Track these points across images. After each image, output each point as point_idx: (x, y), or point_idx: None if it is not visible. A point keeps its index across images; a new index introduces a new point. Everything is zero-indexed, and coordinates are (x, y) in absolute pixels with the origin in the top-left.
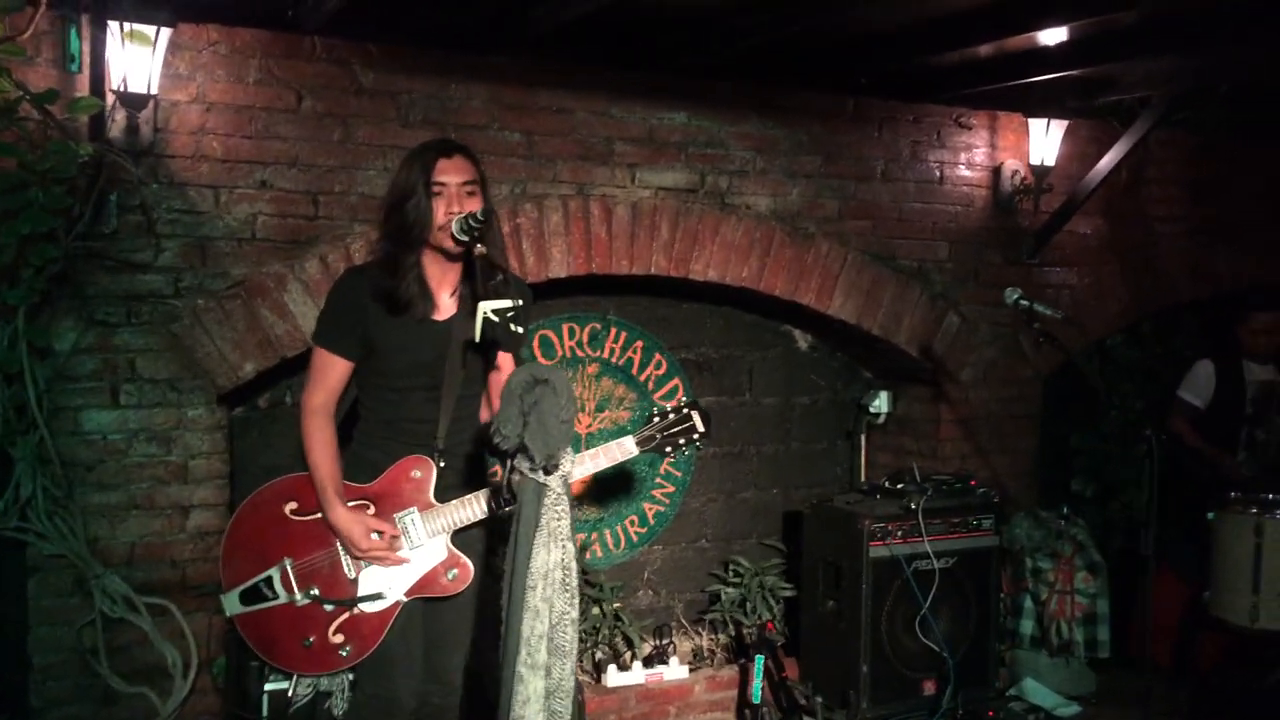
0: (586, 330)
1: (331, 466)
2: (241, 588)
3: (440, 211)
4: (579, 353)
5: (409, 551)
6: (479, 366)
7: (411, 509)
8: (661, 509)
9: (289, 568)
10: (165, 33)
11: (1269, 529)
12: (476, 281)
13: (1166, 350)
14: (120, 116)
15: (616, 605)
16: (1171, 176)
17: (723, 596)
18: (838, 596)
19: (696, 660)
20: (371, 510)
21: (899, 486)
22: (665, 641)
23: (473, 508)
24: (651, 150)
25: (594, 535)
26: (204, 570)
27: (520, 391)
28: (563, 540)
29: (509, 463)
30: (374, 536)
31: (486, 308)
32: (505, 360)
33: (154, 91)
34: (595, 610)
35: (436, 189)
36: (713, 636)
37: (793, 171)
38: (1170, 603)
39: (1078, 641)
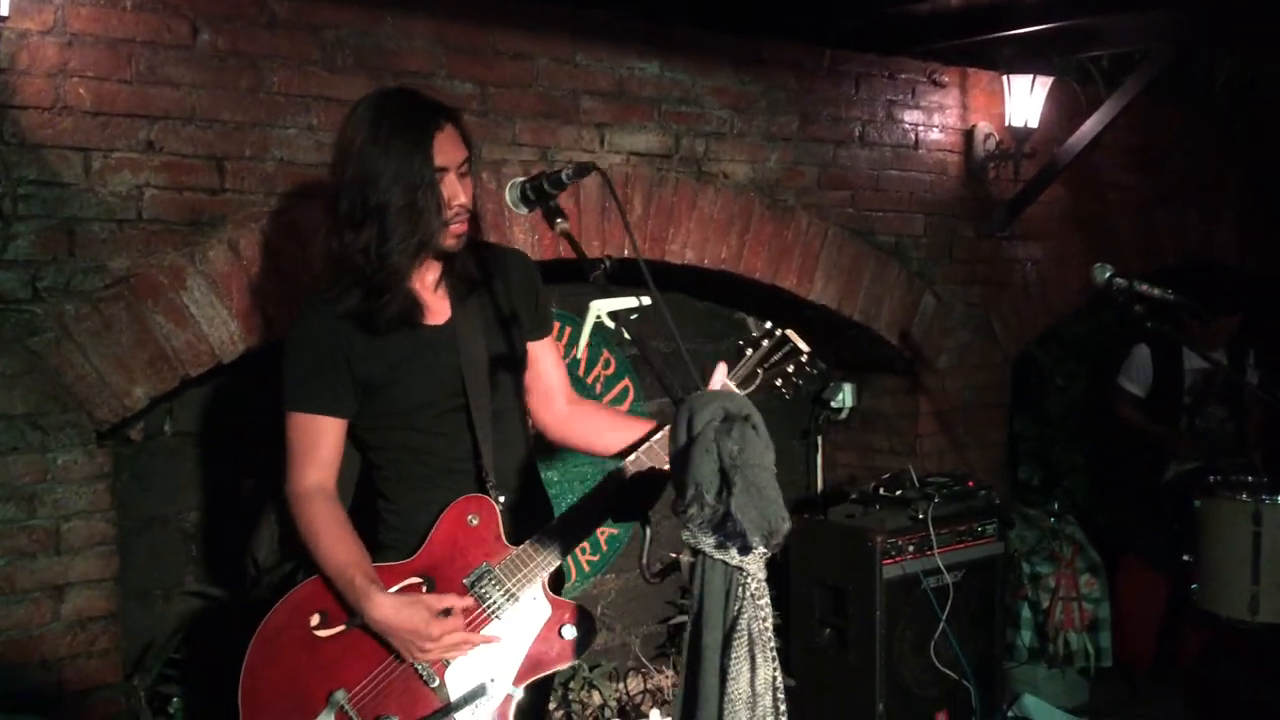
0: None
1: (351, 548)
2: None
3: (446, 203)
4: None
5: (500, 625)
6: (509, 376)
7: (483, 565)
8: (615, 531)
9: (345, 705)
10: None
11: (1269, 515)
12: (473, 264)
13: (1100, 324)
14: None
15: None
16: (1121, 142)
17: None
18: (841, 624)
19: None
20: (425, 589)
21: (898, 493)
22: (638, 692)
23: (564, 534)
24: (621, 107)
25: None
26: (87, 669)
27: (715, 435)
28: (771, 649)
29: (647, 530)
30: (441, 616)
31: (602, 309)
32: (547, 358)
33: (2, 13)
34: None
35: (436, 177)
36: (673, 674)
37: (771, 134)
38: (1147, 597)
39: (1089, 652)
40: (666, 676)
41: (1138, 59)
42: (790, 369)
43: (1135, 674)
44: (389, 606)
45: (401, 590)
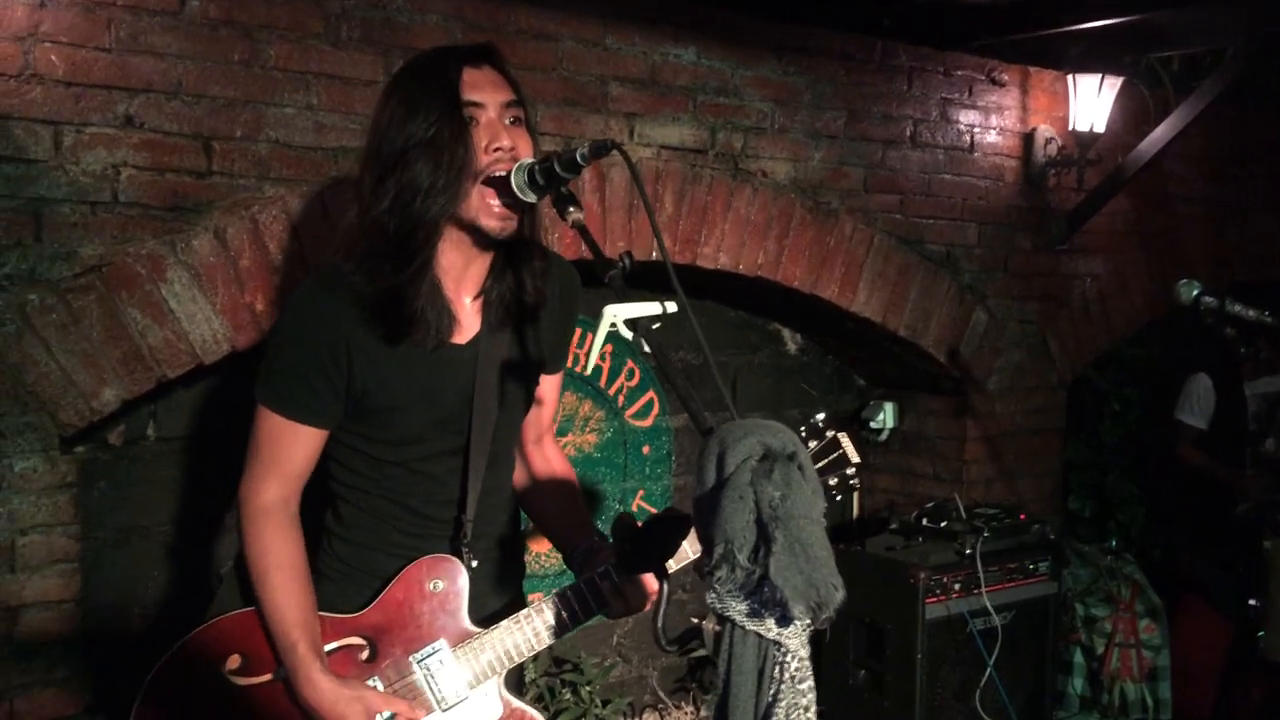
0: None
1: (303, 603)
2: None
3: (480, 148)
4: None
5: (441, 716)
6: (519, 405)
7: (436, 644)
8: None
9: None
10: None
11: None
12: (527, 275)
13: (1165, 350)
14: None
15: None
16: (1188, 150)
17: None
18: (877, 667)
19: None
20: (366, 654)
21: (943, 524)
22: None
23: (535, 628)
24: (654, 96)
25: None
26: (43, 699)
27: (752, 479)
28: None
29: (664, 588)
30: None
31: (618, 315)
32: (549, 389)
33: None
34: (568, 695)
35: (468, 113)
36: (693, 711)
37: (815, 131)
38: (1209, 643)
39: (1147, 704)
40: (686, 713)
41: (1209, 62)
42: (834, 482)
43: None
44: (327, 693)
45: (339, 651)
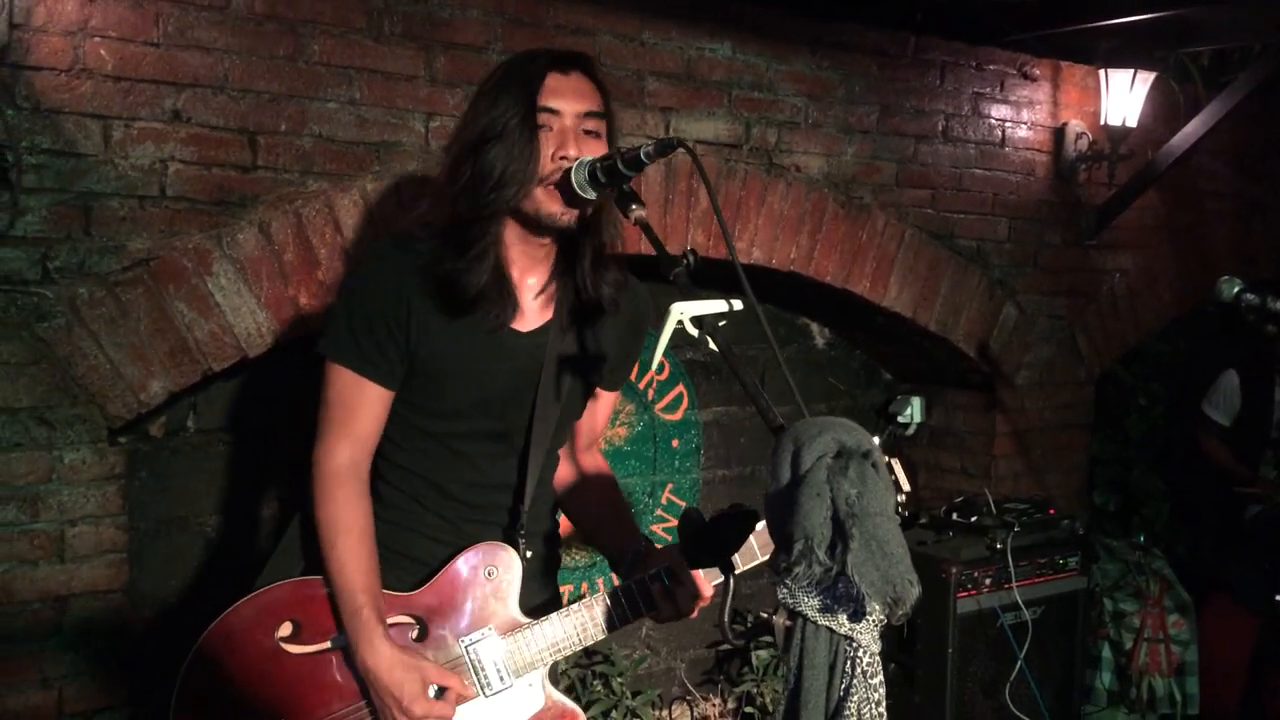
0: None
1: (370, 570)
2: None
3: (546, 154)
4: None
5: (484, 702)
6: (575, 409)
7: (485, 630)
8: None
9: None
10: None
11: None
12: (596, 275)
13: (1190, 346)
14: None
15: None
16: (1217, 145)
17: (754, 660)
18: (907, 661)
19: None
20: (416, 632)
21: (973, 519)
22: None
23: (583, 623)
24: (690, 91)
25: (585, 586)
26: (90, 690)
27: (829, 476)
28: None
29: (730, 581)
30: (432, 693)
31: (684, 312)
32: (604, 404)
33: None
34: (599, 687)
35: (543, 119)
36: (721, 703)
37: (848, 125)
38: (1236, 640)
39: (1175, 699)
40: (714, 705)
41: (1238, 57)
42: None
43: None
44: (386, 659)
45: (391, 628)
